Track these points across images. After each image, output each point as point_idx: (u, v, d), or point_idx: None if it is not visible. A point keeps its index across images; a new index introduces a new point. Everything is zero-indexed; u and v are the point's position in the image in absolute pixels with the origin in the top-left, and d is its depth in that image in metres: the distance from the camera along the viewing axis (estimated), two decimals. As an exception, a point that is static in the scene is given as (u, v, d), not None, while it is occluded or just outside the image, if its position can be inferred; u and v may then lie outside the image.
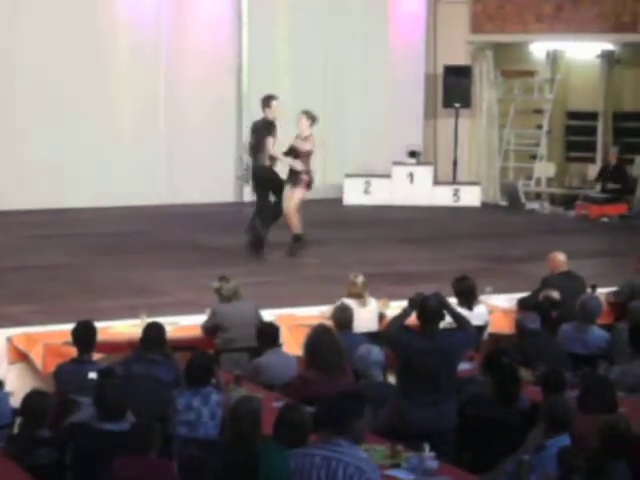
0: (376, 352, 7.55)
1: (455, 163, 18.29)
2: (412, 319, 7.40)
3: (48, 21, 15.76)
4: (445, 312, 7.34)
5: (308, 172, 12.49)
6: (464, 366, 7.95)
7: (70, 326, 8.08)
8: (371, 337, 8.51)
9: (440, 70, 18.57)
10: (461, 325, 7.38)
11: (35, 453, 6.34)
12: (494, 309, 10.03)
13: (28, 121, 15.74)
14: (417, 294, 7.41)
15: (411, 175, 17.64)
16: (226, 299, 8.99)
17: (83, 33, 15.96)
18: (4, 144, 15.68)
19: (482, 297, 9.83)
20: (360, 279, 9.40)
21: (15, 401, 7.18)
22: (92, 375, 7.55)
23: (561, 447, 5.95)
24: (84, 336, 7.89)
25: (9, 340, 8.95)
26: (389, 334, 7.46)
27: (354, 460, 5.34)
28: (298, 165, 12.37)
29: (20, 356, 8.94)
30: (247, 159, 17.15)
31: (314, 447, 5.52)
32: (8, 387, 8.00)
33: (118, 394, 6.52)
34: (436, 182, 17.90)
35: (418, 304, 7.28)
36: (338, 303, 8.99)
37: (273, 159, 12.49)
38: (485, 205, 17.94)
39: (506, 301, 10.34)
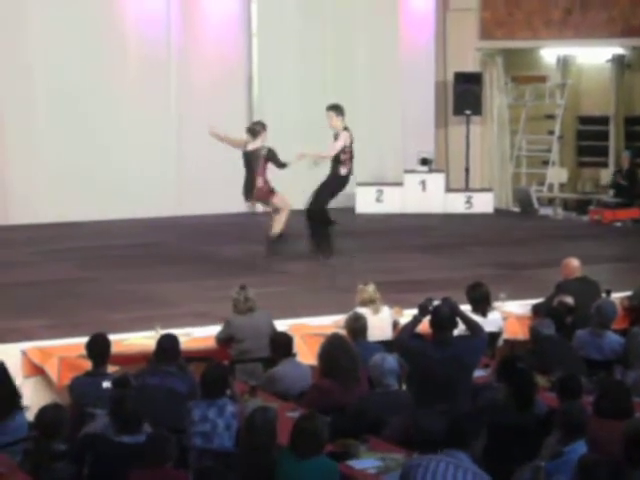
0: (391, 360, 7.52)
1: (467, 170, 18.27)
2: (425, 326, 7.38)
3: (57, 37, 15.81)
4: (458, 319, 7.32)
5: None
6: (479, 373, 7.93)
7: (84, 339, 8.09)
8: (386, 345, 8.49)
9: (450, 77, 18.58)
10: (473, 331, 7.36)
11: (51, 467, 6.33)
12: (508, 315, 10.01)
13: (36, 136, 15.78)
14: (427, 300, 7.39)
15: (423, 183, 17.62)
16: (242, 310, 8.97)
17: (92, 49, 15.99)
18: (11, 158, 15.71)
19: (496, 304, 9.81)
20: (371, 287, 9.39)
21: (31, 415, 7.17)
22: (106, 384, 7.55)
23: (582, 455, 5.92)
24: (98, 349, 7.90)
25: (24, 354, 8.96)
26: (401, 342, 7.44)
27: (477, 470, 5.43)
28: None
29: (35, 370, 8.94)
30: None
31: (436, 455, 5.55)
32: (24, 401, 7.99)
33: (134, 406, 6.51)
34: (448, 189, 17.88)
35: (429, 310, 7.25)
36: (351, 312, 8.97)
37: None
38: (498, 211, 17.91)
39: (520, 307, 10.32)
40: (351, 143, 12.84)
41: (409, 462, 5.60)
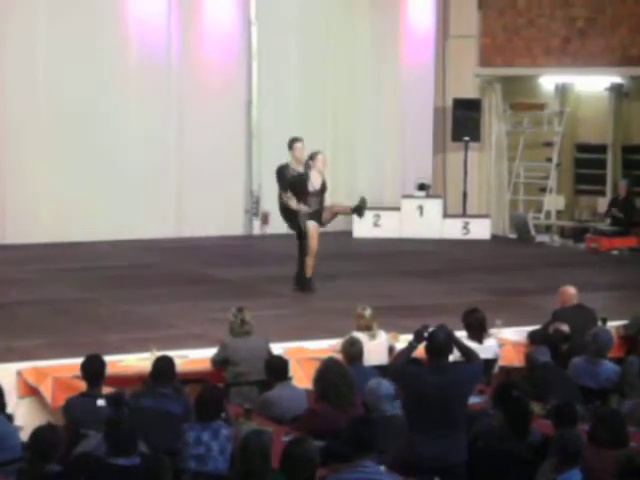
0: (386, 385, 7.53)
1: (465, 196, 18.30)
2: (420, 352, 7.38)
3: (61, 63, 15.89)
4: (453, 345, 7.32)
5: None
6: (475, 399, 7.92)
7: (79, 360, 8.07)
8: (381, 370, 8.48)
9: (449, 103, 18.63)
10: (469, 358, 7.36)
11: (45, 488, 6.32)
12: (504, 342, 10.00)
13: (36, 154, 15.81)
14: (422, 326, 7.38)
15: (420, 208, 17.65)
16: (238, 333, 8.96)
17: (93, 70, 16.05)
18: (12, 177, 15.74)
19: (492, 330, 9.79)
20: (368, 311, 9.38)
21: (25, 435, 7.15)
22: (100, 402, 7.53)
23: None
24: (93, 370, 7.88)
25: (19, 374, 8.94)
26: (396, 368, 7.43)
27: (383, 477, 5.42)
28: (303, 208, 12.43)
29: (30, 390, 8.92)
30: (257, 192, 17.29)
31: (343, 473, 5.53)
32: (18, 421, 7.98)
33: (129, 429, 6.50)
34: (446, 215, 17.90)
35: (424, 337, 7.25)
36: (347, 336, 8.96)
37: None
38: (495, 238, 17.93)
39: (516, 334, 10.31)
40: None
41: None
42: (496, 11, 18.59)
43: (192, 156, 16.93)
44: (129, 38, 16.46)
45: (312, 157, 12.51)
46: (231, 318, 9.01)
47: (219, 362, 8.95)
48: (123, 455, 6.36)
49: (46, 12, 15.81)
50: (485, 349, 9.06)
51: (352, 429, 5.69)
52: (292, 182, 12.41)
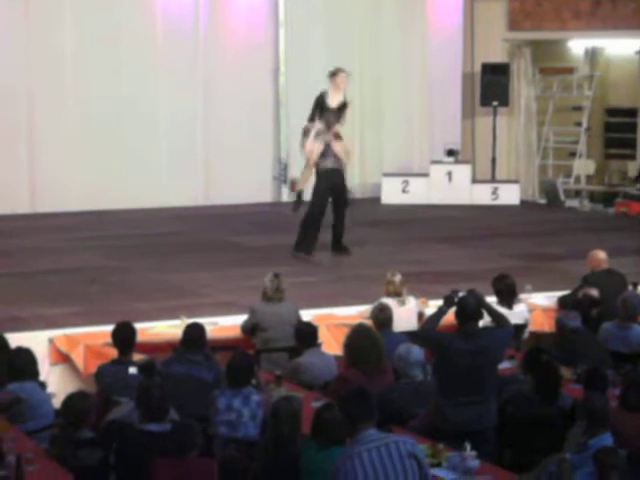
0: (416, 351, 7.53)
1: (494, 161, 18.21)
2: (450, 317, 7.38)
3: (87, 33, 15.89)
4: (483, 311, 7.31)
5: None
6: (505, 365, 7.92)
7: (110, 327, 8.13)
8: (411, 336, 8.49)
9: (478, 68, 18.50)
10: (499, 323, 7.35)
11: (77, 454, 6.37)
12: (534, 307, 9.99)
13: (65, 123, 15.85)
14: (452, 291, 7.38)
15: (449, 174, 17.58)
16: (270, 298, 8.98)
17: (122, 42, 16.05)
18: (40, 146, 15.80)
19: (522, 295, 9.79)
20: (397, 277, 9.38)
21: (57, 402, 7.22)
22: (132, 370, 7.59)
23: (598, 448, 5.91)
24: (124, 337, 7.93)
25: (51, 341, 9.03)
26: (426, 333, 7.43)
27: (396, 437, 5.41)
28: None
29: (62, 357, 9.01)
30: (285, 158, 17.28)
31: (352, 448, 5.52)
32: (50, 388, 8.05)
33: (160, 395, 6.54)
34: (474, 180, 17.83)
35: (454, 302, 7.24)
36: (377, 303, 8.97)
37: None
38: (524, 203, 17.85)
39: (546, 299, 10.30)
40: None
41: (338, 461, 5.55)
42: (525, -26, 18.44)
43: (220, 124, 16.92)
44: (156, 7, 16.43)
45: (333, 74, 12.42)
46: (267, 283, 9.00)
47: (249, 328, 8.98)
48: (154, 421, 6.41)
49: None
50: (515, 314, 9.06)
51: (346, 404, 5.69)
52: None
